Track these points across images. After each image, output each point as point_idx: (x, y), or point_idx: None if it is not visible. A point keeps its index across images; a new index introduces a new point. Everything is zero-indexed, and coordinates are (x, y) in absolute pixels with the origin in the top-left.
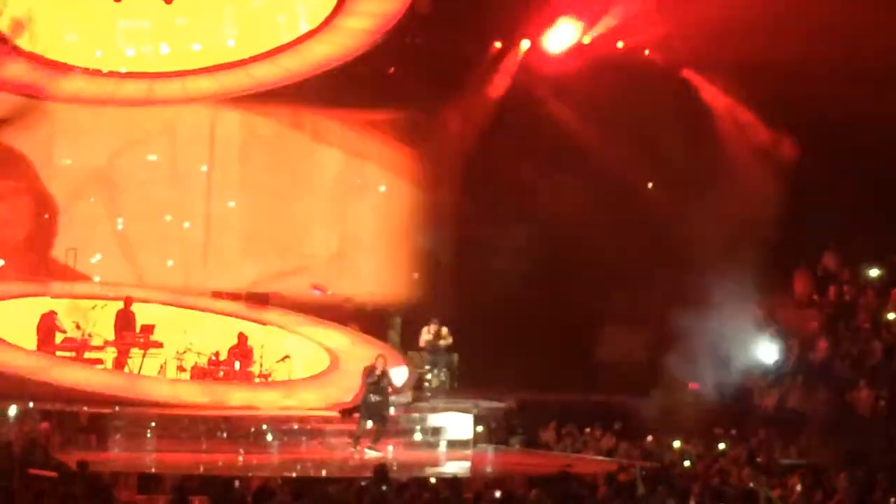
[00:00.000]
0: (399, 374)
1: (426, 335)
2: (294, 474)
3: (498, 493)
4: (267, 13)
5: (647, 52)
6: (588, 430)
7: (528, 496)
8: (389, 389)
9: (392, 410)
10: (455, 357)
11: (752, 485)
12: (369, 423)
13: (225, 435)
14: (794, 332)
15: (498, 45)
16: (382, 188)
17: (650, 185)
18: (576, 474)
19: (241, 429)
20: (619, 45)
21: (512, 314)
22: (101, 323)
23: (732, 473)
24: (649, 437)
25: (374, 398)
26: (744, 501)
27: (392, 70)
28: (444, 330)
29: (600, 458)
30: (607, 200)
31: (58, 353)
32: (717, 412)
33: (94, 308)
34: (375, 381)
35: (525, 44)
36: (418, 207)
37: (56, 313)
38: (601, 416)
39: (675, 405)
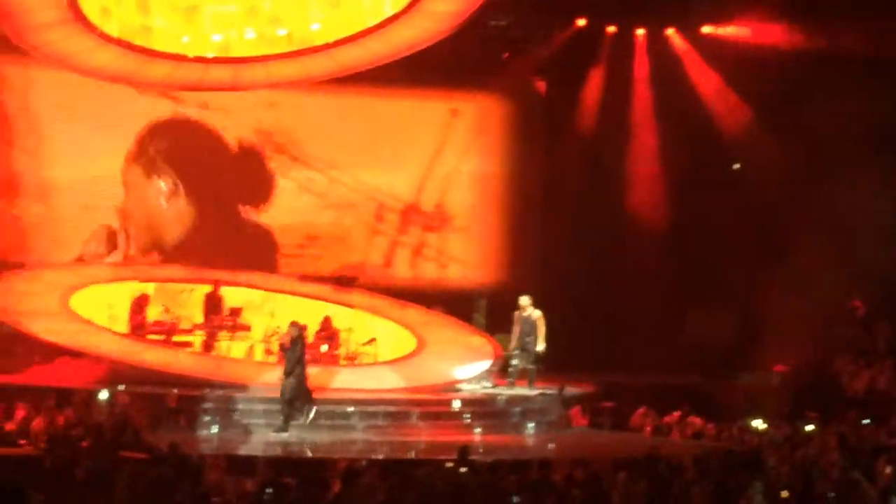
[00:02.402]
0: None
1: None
2: (381, 456)
3: (585, 475)
4: None
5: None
6: (675, 412)
7: (615, 478)
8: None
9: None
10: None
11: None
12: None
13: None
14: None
15: (582, 23)
16: (469, 170)
17: (736, 166)
18: (663, 456)
19: (328, 411)
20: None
21: (598, 296)
22: (189, 306)
23: (821, 457)
24: (738, 420)
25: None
26: (843, 488)
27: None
28: (524, 299)
29: (687, 440)
30: (694, 181)
31: (148, 335)
32: (804, 395)
33: (182, 292)
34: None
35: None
36: (505, 188)
37: (148, 297)
38: (688, 398)
39: (763, 387)
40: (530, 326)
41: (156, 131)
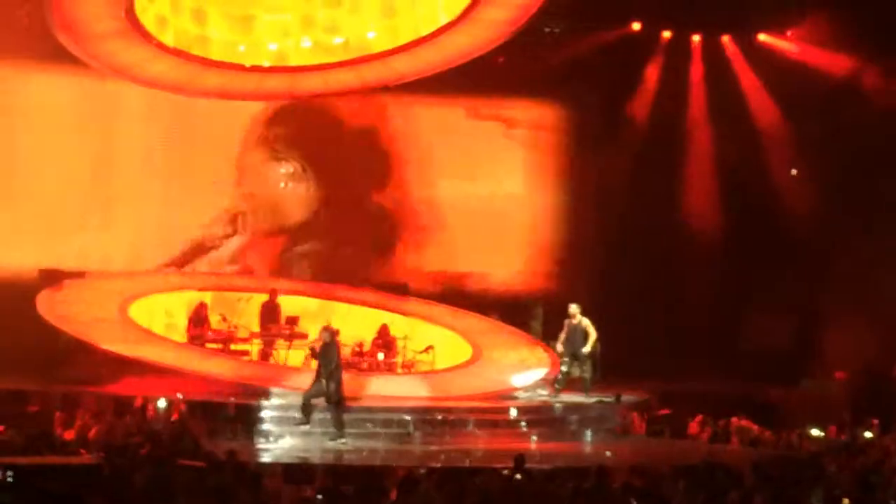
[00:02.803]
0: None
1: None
2: (438, 464)
3: (643, 483)
4: (407, 5)
5: None
6: (733, 419)
7: (673, 486)
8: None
9: None
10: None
11: None
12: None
13: (369, 425)
14: None
15: (637, 27)
16: (524, 177)
17: (793, 171)
18: (721, 464)
19: (385, 419)
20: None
21: (655, 303)
22: (246, 315)
23: (882, 464)
24: (797, 427)
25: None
26: None
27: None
28: (574, 307)
29: (745, 448)
30: (751, 187)
31: (206, 345)
32: (865, 401)
33: (239, 300)
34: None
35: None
36: (561, 195)
37: (206, 305)
38: (746, 405)
39: (823, 394)
40: (580, 334)
41: (274, 118)
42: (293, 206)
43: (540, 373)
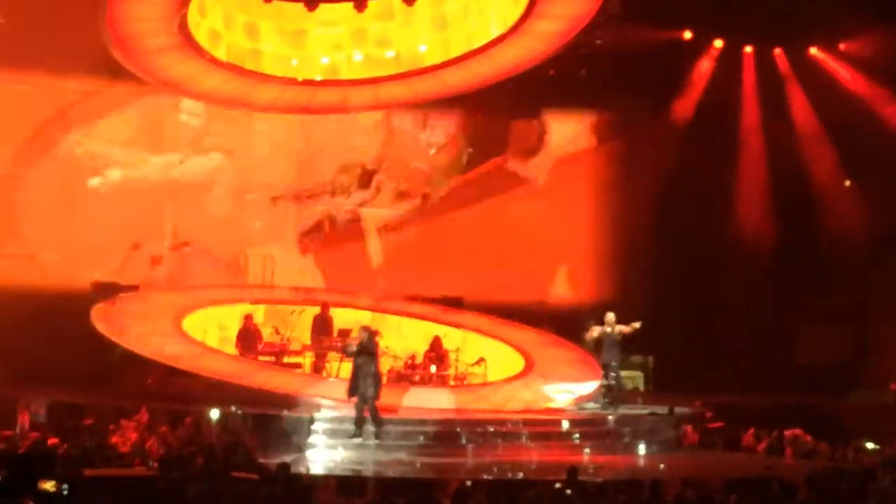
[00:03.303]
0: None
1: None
2: (490, 477)
3: (696, 496)
4: (459, 18)
5: None
6: (787, 432)
7: (727, 499)
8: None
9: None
10: (650, 360)
11: None
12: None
13: (421, 438)
14: None
15: (688, 35)
16: (576, 190)
17: (847, 182)
18: (775, 477)
19: (438, 432)
20: None
21: (708, 316)
22: (299, 328)
23: None
24: (852, 439)
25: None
26: None
27: (584, 72)
28: (611, 315)
29: (800, 460)
30: (804, 200)
31: (259, 357)
32: None
33: (292, 313)
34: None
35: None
36: (614, 208)
37: (251, 316)
38: (801, 417)
39: (878, 406)
40: (614, 344)
41: None
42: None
43: (592, 385)
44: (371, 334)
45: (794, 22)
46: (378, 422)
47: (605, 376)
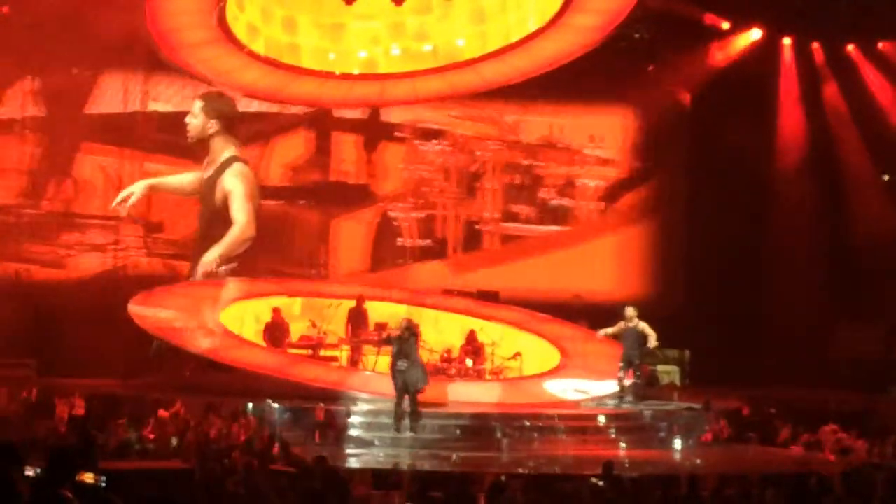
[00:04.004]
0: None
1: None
2: (526, 471)
3: (733, 491)
4: (497, 11)
5: None
6: (825, 427)
7: (763, 494)
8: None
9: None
10: (687, 354)
11: None
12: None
13: (458, 431)
14: None
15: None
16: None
17: (885, 177)
18: (812, 472)
19: (473, 425)
20: None
21: (744, 311)
22: (335, 321)
23: None
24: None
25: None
26: None
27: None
28: (630, 310)
29: (837, 456)
30: (838, 194)
31: (294, 350)
32: None
33: (329, 306)
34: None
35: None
36: (651, 202)
37: (280, 309)
38: (838, 413)
39: None
40: (635, 338)
41: None
42: None
43: (626, 380)
44: (412, 328)
45: (830, 15)
46: (416, 415)
47: (625, 371)
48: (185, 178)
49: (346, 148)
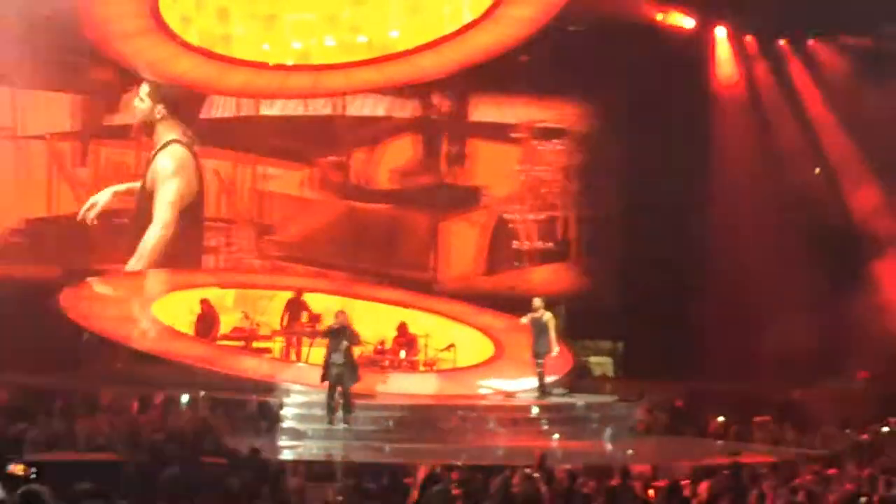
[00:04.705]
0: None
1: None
2: (459, 462)
3: (665, 482)
4: (431, 4)
5: None
6: (756, 419)
7: (695, 486)
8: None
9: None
10: (620, 346)
11: None
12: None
13: (391, 423)
14: None
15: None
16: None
17: (817, 170)
18: (744, 464)
19: (406, 417)
20: None
21: (678, 303)
22: (269, 312)
23: None
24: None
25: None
26: None
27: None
28: (537, 301)
29: (768, 447)
30: (774, 186)
31: (226, 341)
32: (889, 401)
33: (262, 298)
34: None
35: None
36: (583, 195)
37: (209, 300)
38: (770, 405)
39: (846, 394)
40: (539, 329)
41: None
42: None
43: (560, 371)
44: (345, 320)
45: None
46: (349, 407)
47: (537, 364)
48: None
49: (455, 150)
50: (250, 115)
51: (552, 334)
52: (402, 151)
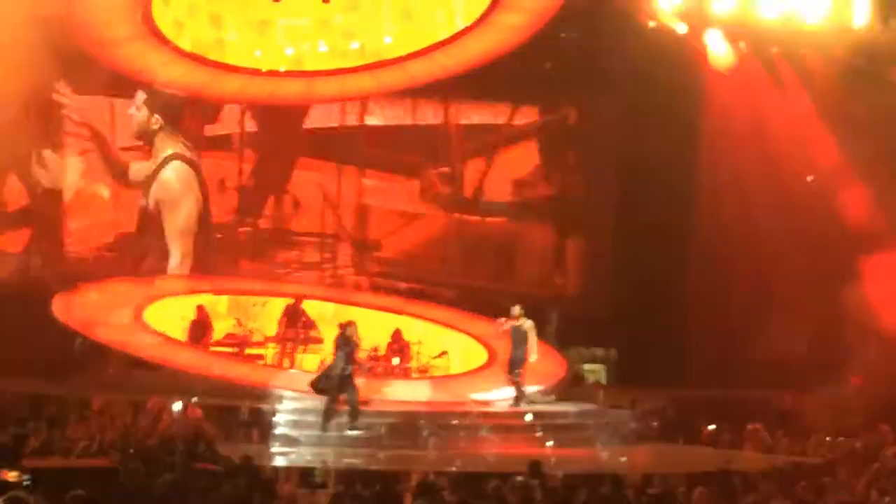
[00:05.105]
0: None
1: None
2: (452, 469)
3: (658, 490)
4: (424, 10)
5: None
6: (749, 426)
7: (687, 492)
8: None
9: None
10: (613, 353)
11: None
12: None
13: (383, 430)
14: None
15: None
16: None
17: (810, 178)
18: (736, 471)
19: (399, 424)
20: None
21: (669, 309)
22: (261, 319)
23: None
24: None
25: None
26: None
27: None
28: (516, 309)
29: (760, 454)
30: (767, 194)
31: (218, 348)
32: (882, 408)
33: (255, 305)
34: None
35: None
36: (573, 202)
37: (204, 307)
38: (762, 412)
39: (838, 401)
40: (520, 337)
41: None
42: None
43: (553, 378)
44: (353, 332)
45: None
46: (356, 415)
47: (512, 373)
48: (134, 166)
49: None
50: (354, 125)
51: (532, 342)
52: (520, 161)
